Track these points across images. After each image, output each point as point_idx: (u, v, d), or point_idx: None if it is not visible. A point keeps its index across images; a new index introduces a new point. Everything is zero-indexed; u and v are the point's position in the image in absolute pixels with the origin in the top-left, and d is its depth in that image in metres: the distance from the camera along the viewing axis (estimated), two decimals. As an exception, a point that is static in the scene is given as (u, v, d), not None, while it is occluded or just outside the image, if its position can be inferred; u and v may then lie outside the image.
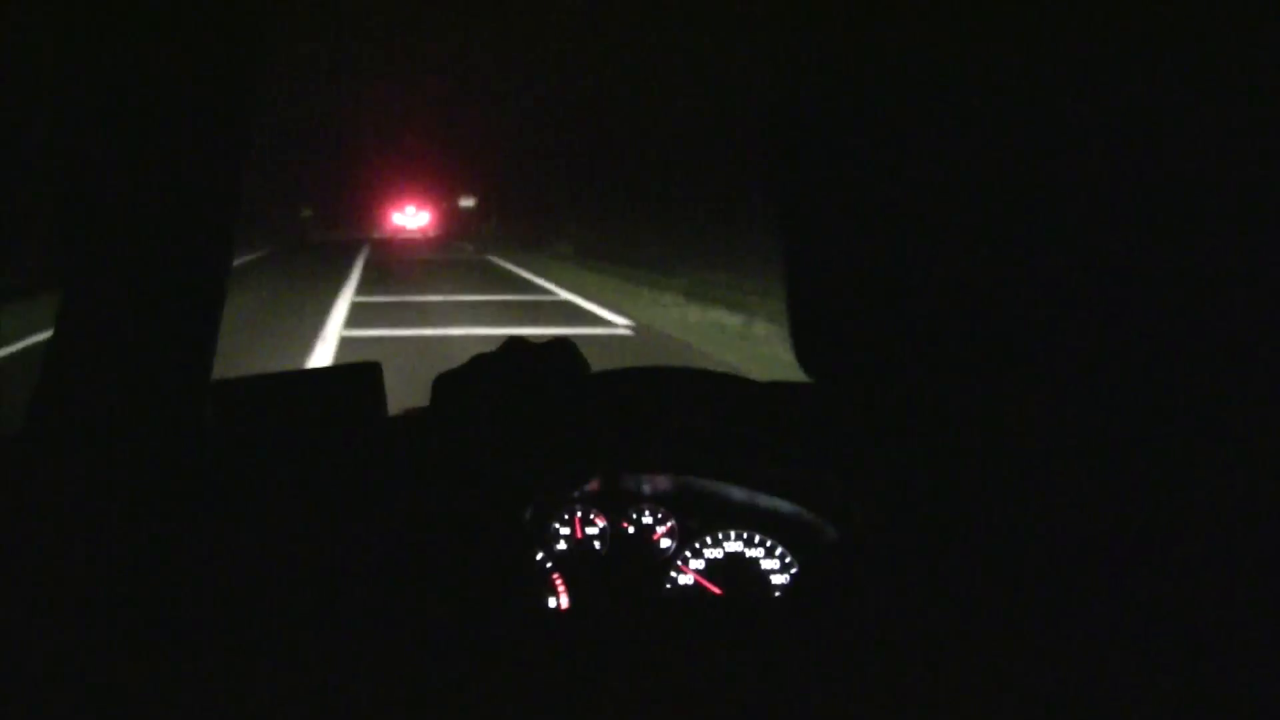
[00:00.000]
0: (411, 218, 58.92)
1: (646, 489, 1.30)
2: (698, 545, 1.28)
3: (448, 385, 0.90)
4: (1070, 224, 0.39)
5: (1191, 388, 0.39)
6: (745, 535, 1.28)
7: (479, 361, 0.88)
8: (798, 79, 0.49)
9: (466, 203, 56.66)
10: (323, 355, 7.70)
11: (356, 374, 1.15)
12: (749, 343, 8.54)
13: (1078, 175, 0.39)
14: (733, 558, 1.28)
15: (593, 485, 1.29)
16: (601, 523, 1.29)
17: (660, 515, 1.30)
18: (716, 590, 1.27)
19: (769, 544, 1.27)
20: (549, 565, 1.25)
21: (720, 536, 1.28)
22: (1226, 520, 0.38)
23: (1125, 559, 0.40)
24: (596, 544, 1.29)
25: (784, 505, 1.23)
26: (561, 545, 1.27)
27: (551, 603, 1.24)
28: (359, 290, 13.81)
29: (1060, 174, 0.39)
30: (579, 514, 1.29)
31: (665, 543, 1.29)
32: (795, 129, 0.49)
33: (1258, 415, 0.38)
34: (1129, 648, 0.39)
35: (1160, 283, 0.38)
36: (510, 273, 18.83)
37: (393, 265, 20.90)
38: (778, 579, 1.26)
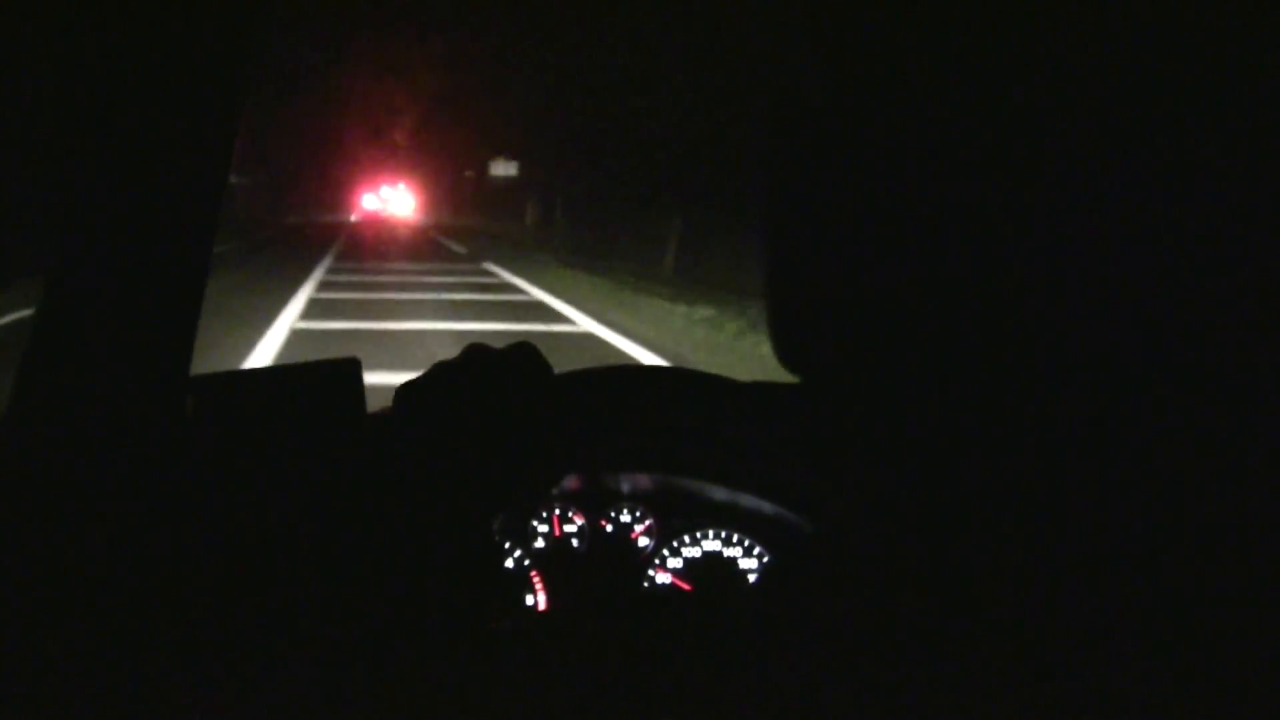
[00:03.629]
0: (388, 200, 44.87)
1: (626, 487, 1.31)
2: (676, 544, 1.29)
3: (410, 394, 0.90)
4: (1061, 223, 0.39)
5: (1180, 386, 0.39)
6: (724, 535, 1.29)
7: (440, 369, 0.88)
8: (795, 76, 0.50)
9: (504, 170, 36.44)
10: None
11: (336, 370, 1.14)
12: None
13: (1072, 172, 0.39)
14: (711, 557, 1.29)
15: (572, 483, 1.29)
16: (580, 521, 1.29)
17: (639, 514, 1.30)
18: (686, 587, 1.27)
19: (748, 543, 1.27)
20: (527, 563, 1.25)
21: (699, 535, 1.29)
22: (1216, 522, 0.39)
23: (1111, 557, 0.40)
24: (575, 542, 1.29)
25: (766, 506, 1.24)
26: (540, 543, 1.27)
27: (530, 601, 1.25)
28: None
29: (1053, 171, 0.39)
30: (558, 512, 1.29)
31: (644, 541, 1.30)
32: (789, 125, 0.49)
33: (1257, 414, 0.38)
34: (1114, 646, 0.39)
35: (1152, 281, 0.38)
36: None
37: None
38: (756, 579, 1.27)
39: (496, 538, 1.24)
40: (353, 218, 39.67)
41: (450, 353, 0.86)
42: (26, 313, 0.83)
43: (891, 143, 0.44)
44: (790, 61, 0.52)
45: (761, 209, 0.52)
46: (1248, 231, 0.37)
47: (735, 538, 1.28)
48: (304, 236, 26.23)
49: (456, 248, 22.39)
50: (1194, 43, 0.36)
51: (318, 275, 14.54)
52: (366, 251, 20.59)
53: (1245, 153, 0.37)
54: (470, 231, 31.38)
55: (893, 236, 0.46)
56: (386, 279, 14.37)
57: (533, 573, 1.25)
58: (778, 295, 0.53)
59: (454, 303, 11.57)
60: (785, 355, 0.55)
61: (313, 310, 10.24)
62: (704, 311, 10.54)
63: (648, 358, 8.11)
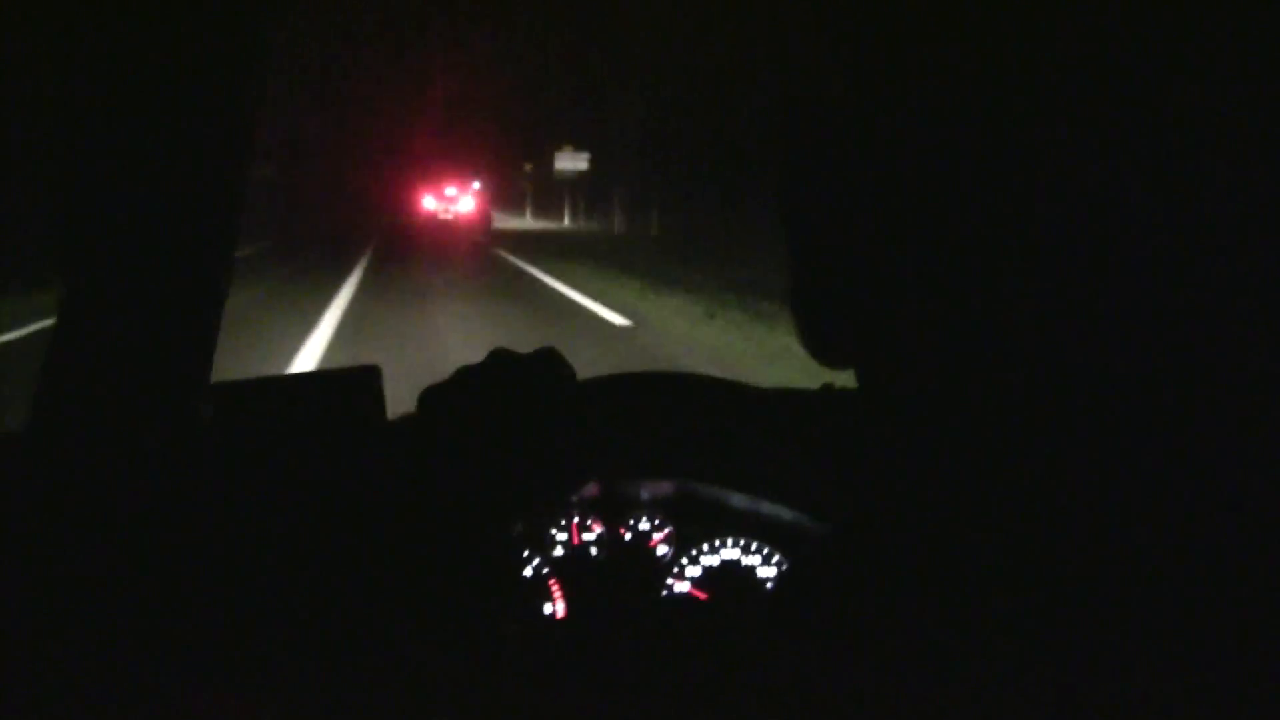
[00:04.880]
0: (454, 200, 31.53)
1: (645, 495, 1.30)
2: (695, 552, 1.28)
3: (434, 398, 0.91)
4: (1080, 225, 0.39)
5: (1204, 387, 0.38)
6: (743, 543, 1.28)
7: (464, 373, 0.89)
8: (815, 66, 0.49)
9: (572, 163, 29.76)
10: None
11: (356, 377, 1.15)
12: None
13: (1091, 173, 0.38)
14: (730, 565, 1.28)
15: (591, 491, 1.29)
16: (599, 529, 1.29)
17: (658, 522, 1.30)
18: (703, 596, 1.26)
19: (767, 551, 1.26)
20: (545, 571, 1.25)
21: (718, 544, 1.28)
22: (1233, 522, 0.38)
23: (1125, 559, 0.40)
24: (594, 550, 1.28)
25: (785, 512, 1.23)
26: (559, 551, 1.27)
27: (548, 609, 1.24)
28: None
29: (1074, 172, 0.39)
30: (576, 520, 1.29)
31: (663, 549, 1.29)
32: (806, 115, 0.49)
33: (1261, 415, 0.38)
34: (1127, 648, 0.38)
35: (1170, 283, 0.38)
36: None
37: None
38: (773, 586, 1.26)
39: (516, 543, 1.25)
40: (387, 221, 29.39)
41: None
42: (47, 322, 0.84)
43: (908, 133, 0.44)
44: (805, 51, 0.52)
45: (777, 195, 0.51)
46: (1262, 230, 0.37)
47: (754, 545, 1.27)
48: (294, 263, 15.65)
49: (592, 305, 11.80)
50: (1233, 43, 0.36)
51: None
52: (399, 327, 9.86)
53: (1266, 160, 0.36)
54: (557, 248, 20.42)
55: (910, 230, 0.45)
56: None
57: (551, 581, 1.25)
58: (800, 281, 0.52)
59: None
60: (809, 342, 0.54)
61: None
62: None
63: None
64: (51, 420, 0.81)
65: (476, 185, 32.87)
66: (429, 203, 32.48)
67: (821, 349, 0.53)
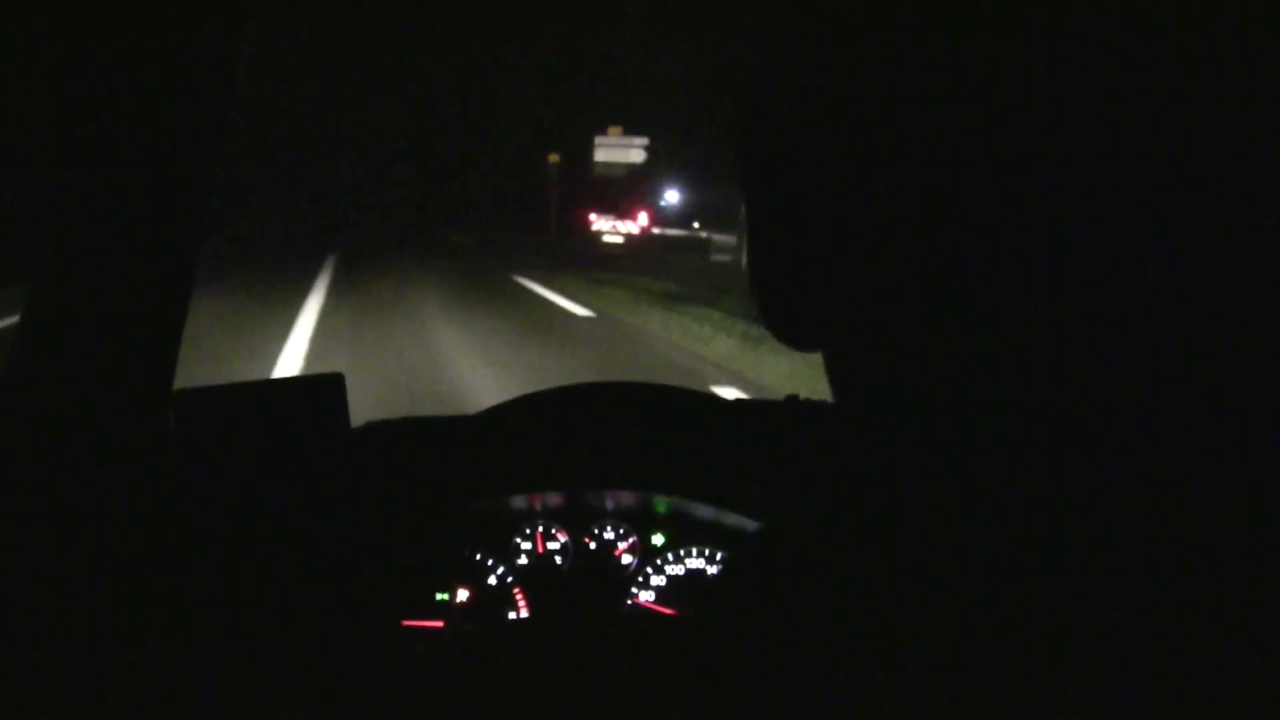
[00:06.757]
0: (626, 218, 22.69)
1: (610, 505, 1.30)
2: (659, 562, 1.28)
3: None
4: (1057, 219, 0.38)
5: (1185, 384, 0.38)
6: (707, 553, 1.28)
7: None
8: (782, 55, 0.49)
9: (619, 153, 22.04)
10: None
11: (319, 385, 1.16)
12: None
13: (1072, 166, 0.38)
14: (694, 575, 1.28)
15: (556, 500, 1.30)
16: (563, 538, 1.29)
17: (623, 531, 1.30)
18: (670, 612, 1.27)
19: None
20: (510, 580, 1.26)
21: (682, 554, 1.28)
22: (1219, 524, 0.38)
23: (1121, 559, 0.39)
24: (558, 559, 1.29)
25: (749, 524, 1.23)
26: (522, 560, 1.28)
27: (511, 617, 1.25)
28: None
29: (1055, 163, 0.38)
30: (540, 529, 1.29)
31: (627, 559, 1.29)
32: (770, 90, 0.48)
33: (1256, 418, 0.37)
34: (1107, 647, 0.38)
35: (1154, 275, 0.37)
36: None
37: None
38: (734, 596, 1.26)
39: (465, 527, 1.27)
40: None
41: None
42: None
43: (871, 112, 0.43)
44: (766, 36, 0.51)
45: (738, 169, 0.51)
46: (1258, 230, 0.36)
47: (719, 556, 1.27)
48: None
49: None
50: (1211, 27, 0.35)
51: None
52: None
53: (1253, 150, 0.35)
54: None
55: (869, 207, 0.45)
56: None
57: (515, 590, 1.25)
58: (761, 259, 0.52)
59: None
60: (771, 323, 0.54)
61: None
62: None
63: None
64: (13, 426, 0.81)
65: (674, 195, 23.13)
66: (603, 223, 23.19)
67: (783, 329, 0.52)
